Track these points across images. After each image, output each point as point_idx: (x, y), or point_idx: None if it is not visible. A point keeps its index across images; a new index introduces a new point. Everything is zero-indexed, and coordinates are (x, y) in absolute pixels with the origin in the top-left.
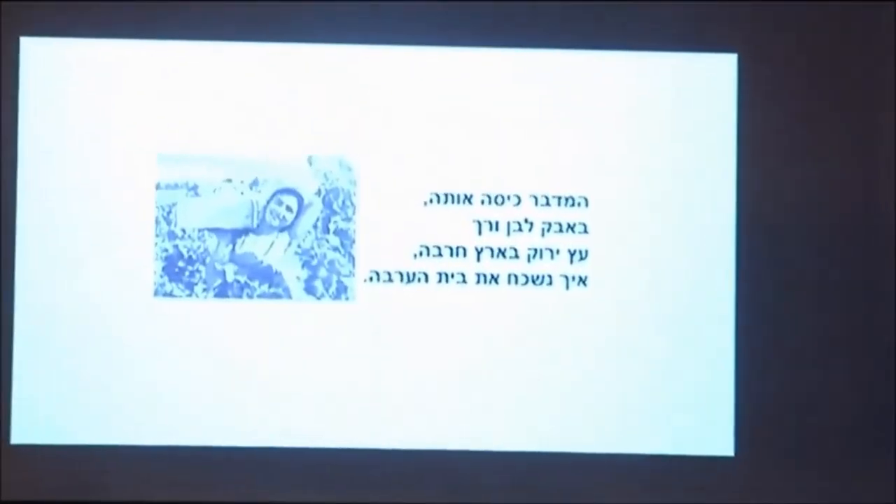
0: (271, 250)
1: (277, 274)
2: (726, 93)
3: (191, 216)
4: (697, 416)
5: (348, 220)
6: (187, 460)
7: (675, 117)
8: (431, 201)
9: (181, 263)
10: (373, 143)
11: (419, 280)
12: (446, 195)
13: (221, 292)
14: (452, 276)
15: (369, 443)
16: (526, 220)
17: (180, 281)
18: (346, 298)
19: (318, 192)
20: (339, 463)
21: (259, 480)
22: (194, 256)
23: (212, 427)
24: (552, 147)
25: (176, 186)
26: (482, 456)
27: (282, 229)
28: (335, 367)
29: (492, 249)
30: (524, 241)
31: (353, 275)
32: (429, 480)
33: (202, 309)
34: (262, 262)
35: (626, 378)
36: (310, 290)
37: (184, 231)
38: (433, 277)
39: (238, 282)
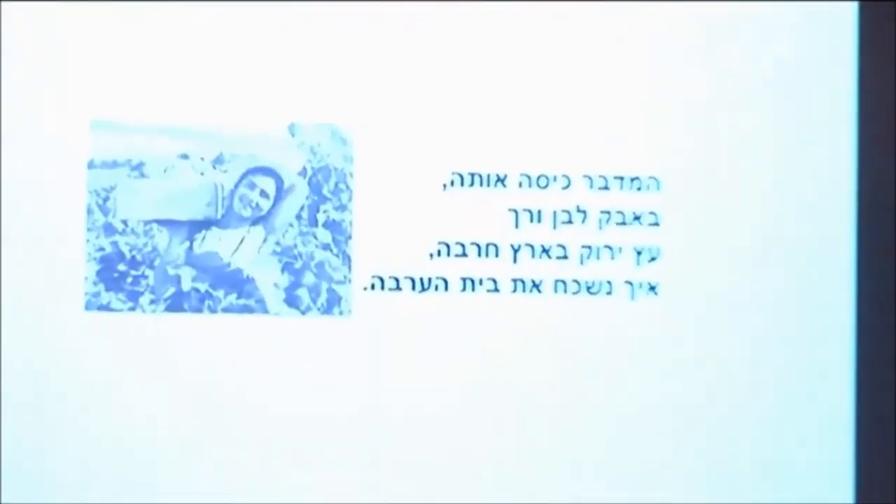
0: (241, 249)
1: (249, 280)
2: (843, 48)
3: (134, 204)
4: (810, 460)
5: (343, 208)
6: None
7: (778, 77)
8: (452, 184)
9: (121, 267)
10: (375, 107)
11: (436, 288)
12: (472, 176)
13: (175, 305)
14: (481, 282)
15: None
16: (578, 209)
17: (120, 290)
18: (340, 312)
19: (303, 173)
20: None
21: None
22: (139, 257)
23: (163, 481)
24: (612, 112)
25: (115, 164)
26: None
27: (255, 221)
28: (324, 403)
29: (532, 247)
30: (575, 237)
31: (349, 281)
32: None
33: (149, 326)
34: (228, 265)
35: (712, 415)
36: (292, 301)
37: (125, 224)
38: (455, 284)
39: (197, 291)
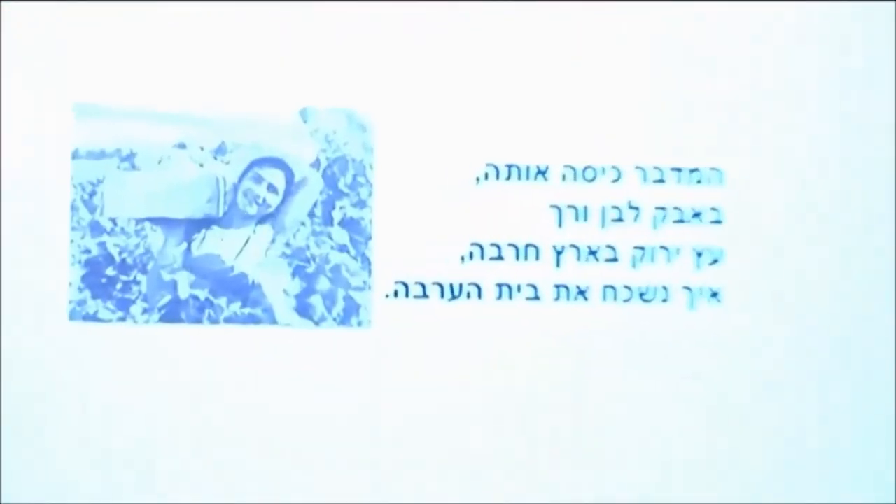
0: (245, 251)
1: (255, 286)
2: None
3: (125, 200)
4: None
5: (362, 204)
6: None
7: (851, 63)
8: (487, 177)
9: (110, 271)
10: (398, 90)
11: (468, 296)
12: (509, 168)
13: (171, 314)
14: (519, 289)
15: None
16: (630, 206)
17: (109, 297)
18: (359, 323)
19: (317, 164)
20: None
21: None
22: (130, 260)
23: None
24: (668, 94)
25: (103, 155)
26: None
27: (261, 219)
28: (339, 427)
29: (578, 249)
30: (627, 237)
31: (370, 287)
32: None
33: (141, 338)
34: (231, 269)
35: (776, 430)
36: (304, 310)
37: (114, 222)
38: (489, 292)
39: (196, 298)
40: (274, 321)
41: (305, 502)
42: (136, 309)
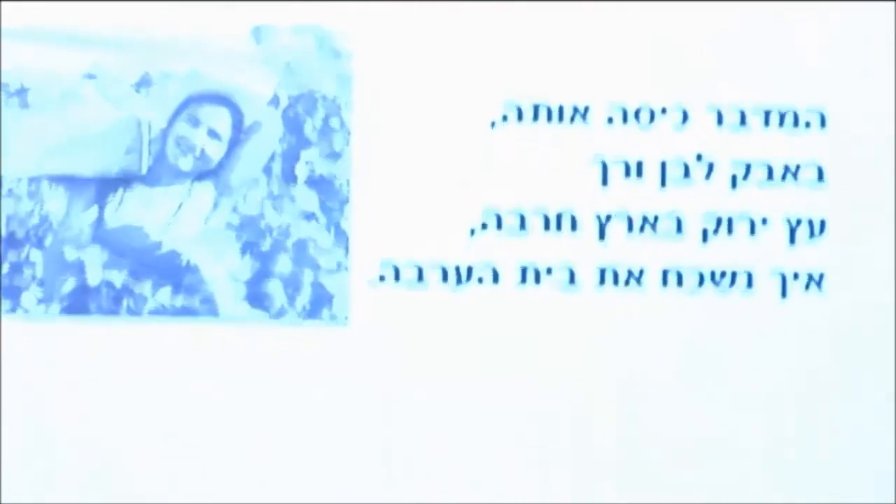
0: (178, 220)
1: (191, 269)
2: None
3: (14, 152)
4: None
5: (335, 157)
6: None
7: None
8: (506, 120)
9: None
10: (385, 3)
11: (480, 281)
12: (536, 108)
13: (76, 306)
14: (549, 272)
15: None
16: (699, 158)
17: None
18: (333, 319)
19: (275, 102)
20: None
21: None
22: (21, 233)
23: None
24: (753, 14)
25: None
26: None
27: (199, 177)
28: (307, 457)
29: (629, 218)
30: (696, 201)
31: (347, 270)
32: None
33: (37, 337)
34: (158, 246)
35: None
36: (256, 301)
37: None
38: (510, 275)
39: (111, 285)
40: (215, 315)
41: None
42: (28, 299)
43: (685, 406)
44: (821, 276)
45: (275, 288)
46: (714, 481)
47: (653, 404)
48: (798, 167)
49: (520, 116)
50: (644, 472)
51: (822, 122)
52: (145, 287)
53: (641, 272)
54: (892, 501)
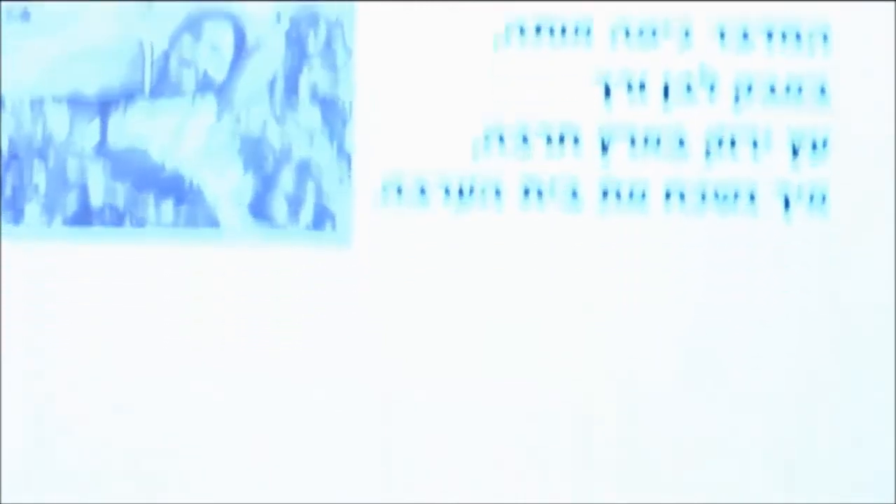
0: (181, 135)
1: (194, 184)
2: None
3: (16, 69)
4: None
5: (338, 75)
6: None
7: None
8: (508, 38)
9: None
10: None
11: (483, 199)
12: (538, 26)
13: (80, 218)
14: (552, 190)
15: None
16: (703, 74)
17: None
18: (335, 236)
19: (277, 20)
20: None
21: None
22: (23, 150)
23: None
24: None
25: None
26: None
27: (202, 93)
28: (305, 381)
29: (631, 135)
30: (698, 118)
31: (350, 189)
32: None
33: (44, 254)
34: (162, 161)
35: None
36: (260, 215)
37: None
38: (512, 194)
39: (113, 203)
40: (218, 230)
41: None
42: (32, 213)
43: (688, 325)
44: (825, 196)
45: (278, 203)
46: (713, 410)
47: (656, 323)
48: (801, 85)
49: (522, 34)
50: (644, 402)
51: (826, 40)
52: (148, 201)
53: (645, 191)
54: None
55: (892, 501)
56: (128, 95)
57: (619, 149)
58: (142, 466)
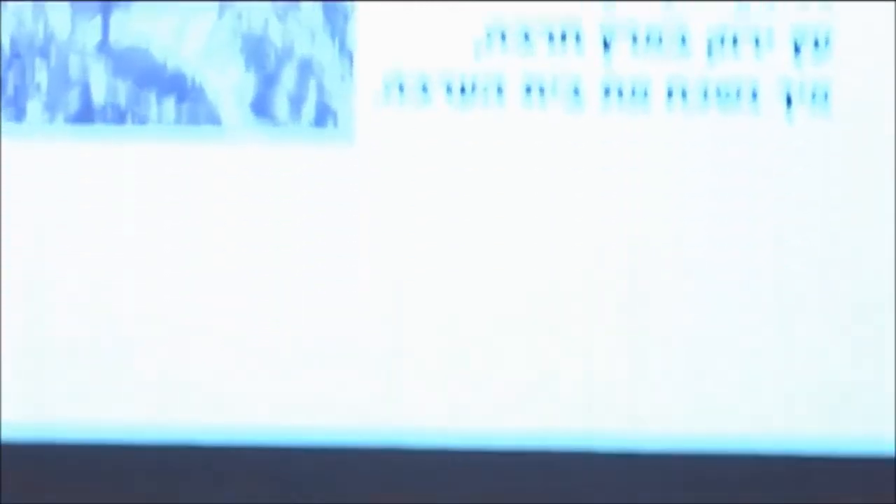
0: (183, 33)
1: (196, 81)
2: None
3: None
4: None
5: None
6: None
7: None
8: None
9: None
10: None
11: (485, 97)
12: None
13: (82, 116)
14: (554, 88)
15: (368, 435)
16: None
17: None
18: (336, 133)
19: None
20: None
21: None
22: (24, 48)
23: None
24: None
25: None
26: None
27: None
28: (310, 283)
29: (634, 34)
30: (700, 15)
31: (351, 85)
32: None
33: (45, 152)
34: (164, 59)
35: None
36: (262, 113)
37: None
38: (514, 91)
39: (115, 99)
40: (220, 127)
41: None
42: (34, 110)
43: (689, 224)
44: (827, 93)
45: (279, 101)
46: (715, 294)
47: (657, 225)
48: None
49: None
50: (647, 294)
51: None
52: (150, 99)
53: (647, 88)
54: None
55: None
56: None
57: (620, 47)
58: (147, 366)
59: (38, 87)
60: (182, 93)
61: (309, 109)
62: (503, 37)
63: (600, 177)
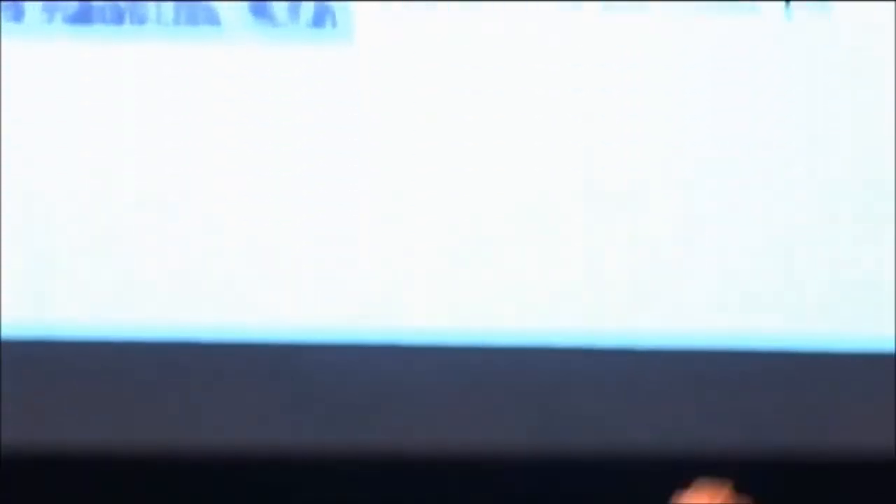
0: None
1: None
2: None
3: None
4: None
5: None
6: None
7: None
8: None
9: None
10: None
11: None
12: None
13: (81, 17)
14: None
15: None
16: None
17: None
18: (334, 30)
19: None
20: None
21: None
22: None
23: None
24: None
25: None
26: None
27: None
28: (310, 182)
29: None
30: None
31: None
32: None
33: (44, 52)
34: None
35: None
36: (260, 13)
37: None
38: None
39: (112, 2)
40: (219, 28)
41: None
42: (33, 12)
43: (687, 127)
44: None
45: (278, 3)
46: (715, 191)
47: (656, 126)
48: None
49: None
50: (646, 193)
51: None
52: (149, 3)
53: None
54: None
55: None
56: None
57: None
58: (149, 266)
59: None
60: None
61: (307, 10)
62: None
63: (601, 77)
